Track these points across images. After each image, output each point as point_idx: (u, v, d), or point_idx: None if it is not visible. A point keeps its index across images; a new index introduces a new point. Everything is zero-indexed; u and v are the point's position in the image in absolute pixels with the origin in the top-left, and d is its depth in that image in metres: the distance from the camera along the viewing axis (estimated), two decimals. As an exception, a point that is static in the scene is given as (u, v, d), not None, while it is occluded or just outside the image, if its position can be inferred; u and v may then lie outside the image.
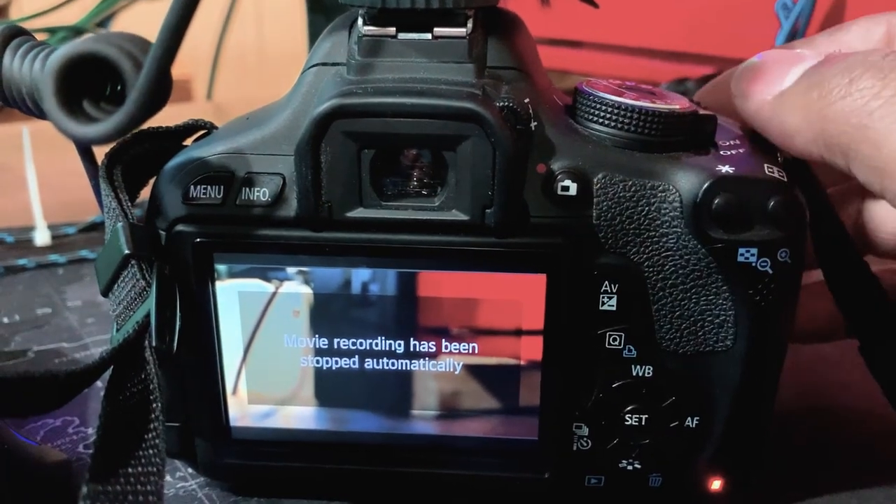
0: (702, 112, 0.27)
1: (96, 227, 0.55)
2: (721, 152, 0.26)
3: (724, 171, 0.25)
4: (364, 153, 0.24)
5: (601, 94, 0.26)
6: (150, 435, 0.22)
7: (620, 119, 0.26)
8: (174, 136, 0.28)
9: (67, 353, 0.40)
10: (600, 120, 0.26)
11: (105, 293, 0.26)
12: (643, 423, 0.27)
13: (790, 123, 0.25)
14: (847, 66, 0.24)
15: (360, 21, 0.25)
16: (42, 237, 0.53)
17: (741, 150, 0.26)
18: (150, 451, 0.21)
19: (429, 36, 0.25)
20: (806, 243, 0.26)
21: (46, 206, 0.54)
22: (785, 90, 0.26)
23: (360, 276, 0.26)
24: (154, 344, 0.24)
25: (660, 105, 0.26)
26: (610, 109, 0.26)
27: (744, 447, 0.28)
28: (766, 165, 0.25)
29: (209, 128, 0.28)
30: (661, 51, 0.62)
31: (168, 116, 0.29)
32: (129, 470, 0.21)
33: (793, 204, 0.25)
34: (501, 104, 0.24)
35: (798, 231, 0.25)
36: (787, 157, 0.27)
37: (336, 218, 0.25)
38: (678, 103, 0.26)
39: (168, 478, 0.30)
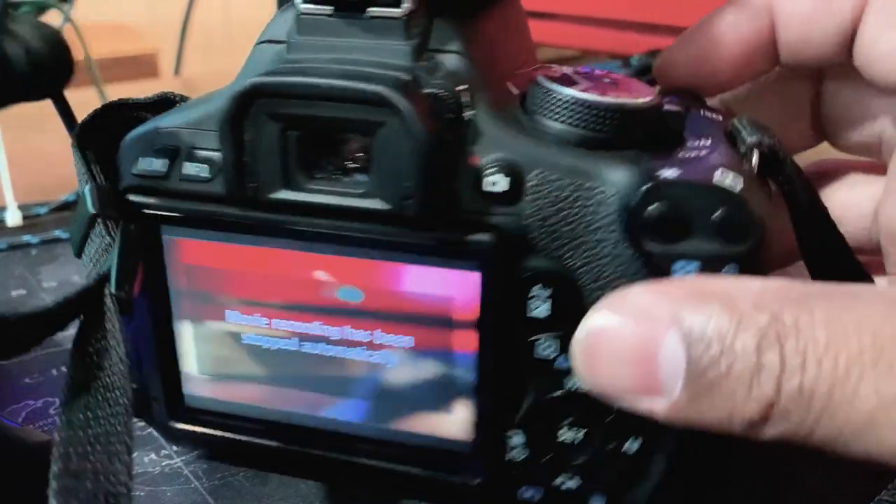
0: (667, 108, 0.24)
1: (69, 206, 0.52)
2: (680, 153, 0.23)
3: (663, 175, 0.22)
4: (289, 134, 0.24)
5: (549, 85, 0.24)
6: (115, 378, 0.22)
7: (567, 113, 0.24)
8: (145, 109, 0.29)
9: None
10: (548, 113, 0.24)
11: (78, 254, 0.27)
12: (581, 440, 0.25)
13: None
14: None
15: None
16: (13, 218, 0.50)
17: (704, 152, 0.23)
18: (117, 392, 0.22)
19: (364, 15, 0.24)
20: (761, 258, 0.23)
21: (17, 186, 0.51)
22: None
23: (296, 259, 0.26)
24: (114, 291, 0.24)
25: (610, 99, 0.23)
26: (557, 102, 0.24)
27: (695, 475, 0.26)
28: (719, 170, 0.22)
29: (179, 101, 0.29)
30: (633, 22, 0.58)
31: (136, 92, 0.30)
32: (99, 412, 0.22)
33: (743, 216, 0.22)
34: (428, 90, 0.23)
35: (750, 246, 0.22)
36: (764, 152, 0.24)
37: (262, 199, 0.25)
38: (640, 96, 0.24)
39: (153, 455, 0.31)
